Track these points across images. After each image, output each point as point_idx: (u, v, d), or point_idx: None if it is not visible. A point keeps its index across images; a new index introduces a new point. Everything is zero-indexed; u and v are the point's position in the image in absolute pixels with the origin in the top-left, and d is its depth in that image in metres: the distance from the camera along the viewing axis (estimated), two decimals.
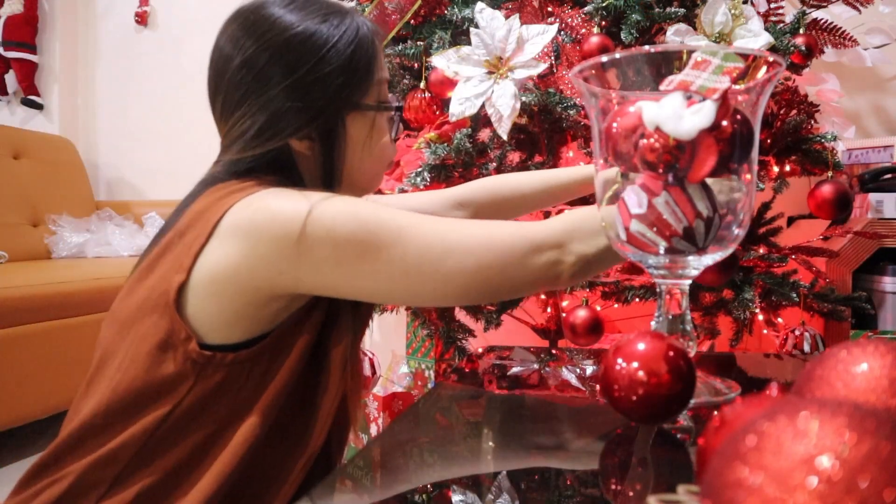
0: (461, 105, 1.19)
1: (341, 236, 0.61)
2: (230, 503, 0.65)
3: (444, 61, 1.21)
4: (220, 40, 0.73)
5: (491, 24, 1.18)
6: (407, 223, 0.64)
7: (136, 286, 0.68)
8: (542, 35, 1.17)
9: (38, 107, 3.04)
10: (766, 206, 1.32)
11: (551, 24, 1.21)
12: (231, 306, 0.64)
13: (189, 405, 0.64)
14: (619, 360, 0.50)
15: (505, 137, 1.18)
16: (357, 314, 0.73)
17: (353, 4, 1.56)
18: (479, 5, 1.22)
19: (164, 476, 0.64)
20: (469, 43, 1.20)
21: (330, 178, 0.74)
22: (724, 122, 0.56)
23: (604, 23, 1.27)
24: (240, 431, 0.65)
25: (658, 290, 0.65)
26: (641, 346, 0.50)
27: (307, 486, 0.70)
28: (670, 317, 0.64)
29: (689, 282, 0.64)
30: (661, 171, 0.57)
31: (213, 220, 0.64)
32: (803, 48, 1.32)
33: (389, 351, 1.84)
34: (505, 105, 1.16)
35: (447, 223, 0.66)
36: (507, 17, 1.19)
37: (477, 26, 1.19)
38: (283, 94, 0.69)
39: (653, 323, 0.65)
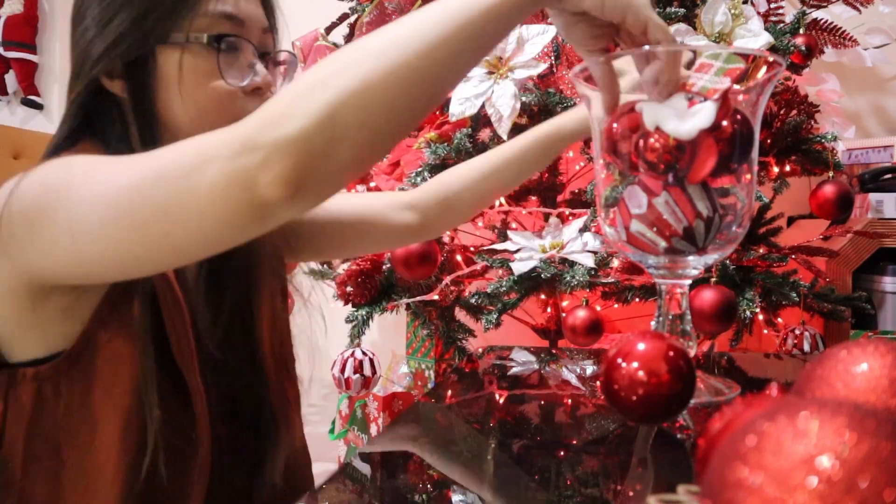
0: (461, 105, 1.19)
1: (25, 208, 0.50)
2: None
3: None
4: None
5: None
6: (82, 170, 0.50)
7: None
8: (542, 35, 1.17)
9: (38, 107, 3.04)
10: (766, 206, 1.32)
11: (551, 24, 1.22)
12: (12, 312, 0.55)
13: (12, 437, 0.57)
14: (619, 360, 0.50)
15: (505, 137, 1.18)
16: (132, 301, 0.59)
17: (353, 4, 1.57)
18: None
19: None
20: None
21: (146, 125, 0.62)
22: (725, 123, 0.56)
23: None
24: (98, 453, 0.57)
25: (658, 290, 0.65)
26: (641, 346, 0.50)
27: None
28: (670, 317, 0.64)
29: (690, 282, 0.64)
30: (661, 171, 0.57)
31: None
32: (803, 48, 1.32)
33: (389, 351, 1.84)
34: (505, 105, 1.16)
35: (122, 160, 0.49)
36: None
37: None
38: (94, 21, 0.62)
39: (653, 323, 0.65)
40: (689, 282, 0.64)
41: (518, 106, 1.16)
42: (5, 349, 0.57)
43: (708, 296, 1.09)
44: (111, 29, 0.61)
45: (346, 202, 0.86)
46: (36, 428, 0.57)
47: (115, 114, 0.64)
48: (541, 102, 1.26)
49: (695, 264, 0.62)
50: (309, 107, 0.41)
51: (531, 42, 1.17)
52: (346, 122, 0.41)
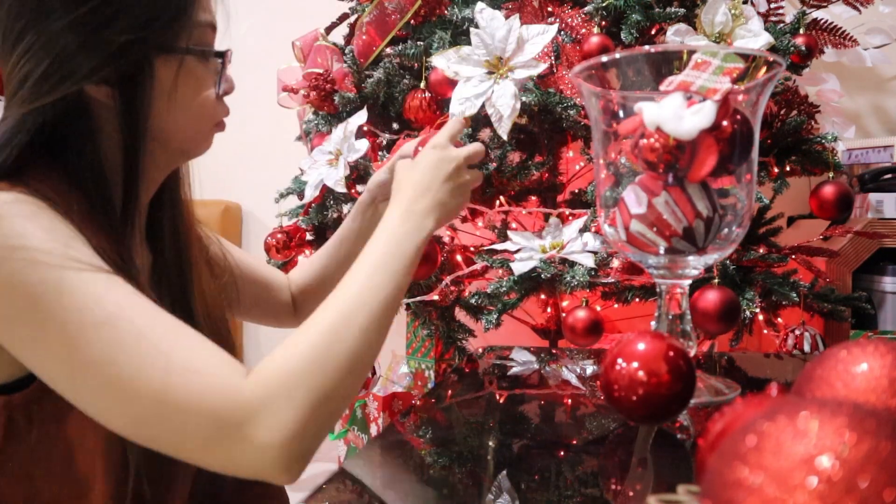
0: (461, 105, 1.19)
1: (18, 297, 0.49)
2: None
3: (444, 61, 1.21)
4: None
5: (491, 24, 1.18)
6: (86, 320, 0.49)
7: None
8: (542, 35, 1.17)
9: None
10: (766, 207, 1.32)
11: (551, 24, 1.21)
12: None
13: None
14: (619, 360, 0.50)
15: (505, 137, 1.18)
16: None
17: (353, 4, 1.57)
18: (480, 5, 1.21)
19: None
20: (469, 43, 1.20)
21: (134, 135, 0.61)
22: (725, 123, 0.56)
23: (604, 23, 1.27)
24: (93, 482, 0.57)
25: (658, 290, 0.65)
26: (641, 346, 0.50)
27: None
28: (670, 317, 0.64)
29: (689, 282, 0.64)
30: (661, 171, 0.57)
31: None
32: (803, 48, 1.32)
33: (389, 351, 1.84)
34: (505, 105, 1.16)
35: (139, 334, 0.49)
36: (507, 17, 1.19)
37: (477, 26, 1.19)
38: (75, 22, 0.57)
39: (653, 323, 0.65)
40: (688, 282, 0.64)
41: (518, 106, 1.16)
42: None
43: (711, 296, 1.09)
44: (105, 37, 0.58)
45: (257, 265, 0.91)
46: (8, 457, 0.56)
47: (91, 114, 0.61)
48: (541, 102, 1.26)
49: (695, 264, 0.62)
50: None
51: (531, 42, 1.17)
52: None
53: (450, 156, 0.72)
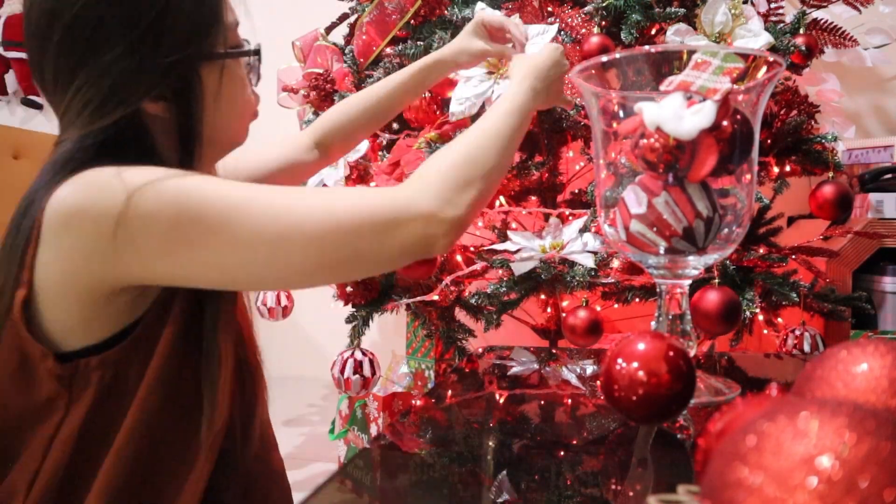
0: (461, 105, 1.19)
1: (163, 223, 0.55)
2: (135, 495, 0.61)
3: None
4: None
5: None
6: (240, 200, 0.58)
7: None
8: (542, 35, 1.17)
9: (38, 107, 3.04)
10: (766, 207, 1.32)
11: (551, 24, 1.21)
12: (77, 309, 0.58)
13: (74, 421, 0.59)
14: (619, 360, 0.50)
15: None
16: (221, 292, 0.67)
17: (353, 4, 1.57)
18: (480, 5, 1.21)
19: (58, 487, 0.59)
20: None
21: (189, 140, 0.66)
22: (725, 123, 0.56)
23: (604, 23, 1.27)
24: (119, 436, 0.60)
25: (658, 290, 0.65)
26: (641, 346, 0.50)
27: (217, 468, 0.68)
28: (670, 317, 0.64)
29: (689, 282, 0.64)
30: (661, 171, 0.57)
31: (37, 218, 0.58)
32: (803, 48, 1.32)
33: (389, 351, 1.84)
34: None
35: (287, 197, 0.59)
36: (507, 17, 1.19)
37: None
38: (126, 51, 0.61)
39: (653, 323, 0.65)
40: (688, 282, 0.64)
41: None
42: (59, 340, 0.59)
43: (712, 297, 1.09)
44: (154, 60, 0.62)
45: (262, 159, 0.93)
46: (98, 414, 0.60)
47: (148, 127, 0.65)
48: None
49: (695, 264, 0.62)
50: (466, 199, 0.63)
51: (531, 42, 1.17)
52: (480, 206, 0.65)
53: (563, 60, 0.85)
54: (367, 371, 1.49)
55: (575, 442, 0.60)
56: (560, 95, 0.87)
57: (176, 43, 0.62)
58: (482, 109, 1.20)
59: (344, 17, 1.68)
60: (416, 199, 0.61)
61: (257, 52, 0.71)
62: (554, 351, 1.01)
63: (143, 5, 0.61)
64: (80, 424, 0.59)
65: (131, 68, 0.61)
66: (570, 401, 0.72)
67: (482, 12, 0.96)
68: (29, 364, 0.58)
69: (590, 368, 0.85)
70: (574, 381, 0.80)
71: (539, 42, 1.17)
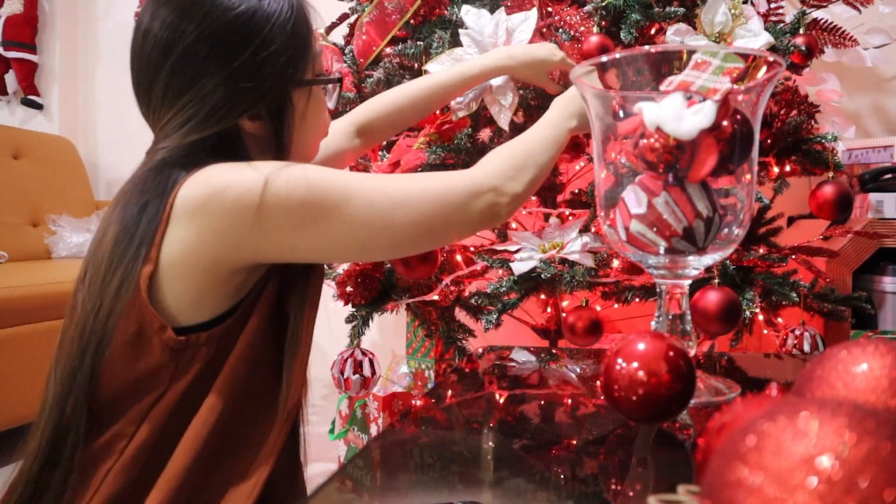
0: (459, 103, 1.19)
1: (295, 202, 0.64)
2: (211, 469, 0.66)
3: (439, 66, 1.21)
4: (150, 24, 0.70)
5: (478, 22, 1.19)
6: (353, 181, 0.68)
7: None
8: (525, 22, 1.18)
9: (38, 107, 3.04)
10: (766, 207, 1.32)
11: (549, 21, 1.22)
12: (196, 286, 0.65)
13: (176, 391, 0.65)
14: (619, 360, 0.50)
15: (506, 128, 1.18)
16: (312, 276, 0.76)
17: (353, 4, 1.57)
18: (465, 7, 1.22)
19: (147, 455, 0.65)
20: None
21: (280, 154, 0.74)
22: (725, 123, 0.56)
23: (603, 22, 1.27)
24: (206, 404, 0.66)
25: (658, 290, 0.65)
26: (641, 346, 0.50)
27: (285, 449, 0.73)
28: (670, 317, 0.64)
29: (689, 282, 0.64)
30: (661, 171, 0.57)
31: (166, 203, 0.65)
32: (803, 48, 1.32)
33: (389, 351, 1.84)
34: (504, 97, 1.16)
35: (389, 178, 0.71)
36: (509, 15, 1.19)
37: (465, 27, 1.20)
38: (228, 78, 0.68)
39: (653, 323, 0.65)
40: (688, 282, 0.64)
41: (516, 99, 1.16)
42: (175, 315, 0.65)
43: (712, 297, 1.09)
44: (259, 82, 0.69)
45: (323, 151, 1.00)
46: (195, 389, 0.66)
47: (242, 141, 0.72)
48: (538, 96, 1.26)
49: (695, 264, 0.62)
50: (525, 177, 0.78)
51: (519, 30, 1.18)
52: (533, 186, 0.79)
53: (578, 100, 0.91)
54: (367, 371, 1.49)
55: (575, 442, 0.60)
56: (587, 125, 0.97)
57: (272, 71, 0.71)
58: (482, 110, 1.20)
59: (344, 17, 1.68)
60: (488, 176, 0.75)
61: (339, 80, 0.82)
62: (554, 351, 1.01)
63: (244, 40, 0.69)
64: (179, 398, 0.65)
65: (231, 92, 0.69)
66: (570, 401, 0.72)
67: (566, 57, 1.05)
68: (145, 335, 0.64)
69: (590, 368, 0.85)
70: (574, 381, 0.80)
71: (525, 29, 1.17)
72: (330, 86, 0.82)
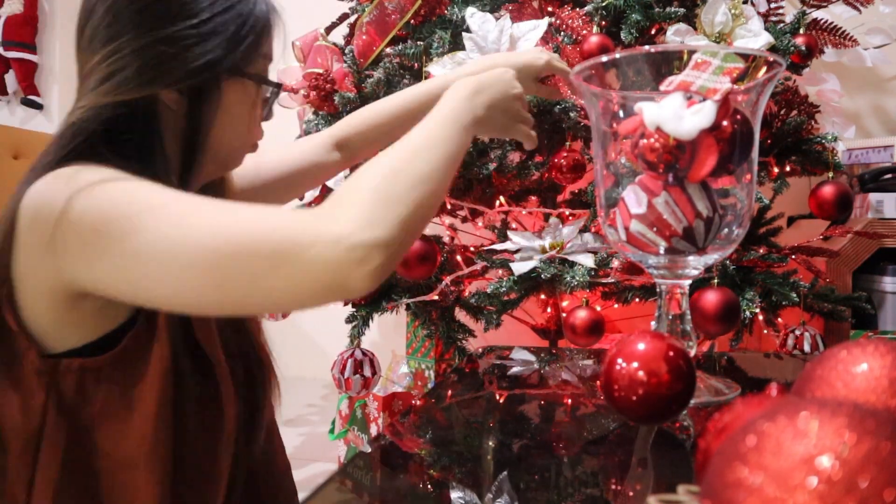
0: None
1: (86, 229, 0.53)
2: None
3: (440, 68, 1.21)
4: None
5: (482, 27, 1.19)
6: (147, 210, 0.52)
7: None
8: (533, 31, 1.17)
9: (38, 107, 3.04)
10: (766, 207, 1.32)
11: (542, 17, 1.22)
12: (45, 309, 0.58)
13: (48, 423, 0.58)
14: (619, 360, 0.50)
15: (506, 137, 1.18)
16: None
17: (353, 4, 1.57)
18: (470, 9, 1.22)
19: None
20: None
21: (192, 141, 0.68)
22: (725, 123, 0.56)
23: (603, 23, 1.27)
24: (123, 445, 0.60)
25: (658, 290, 0.65)
26: (641, 346, 0.50)
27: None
28: (670, 317, 0.64)
29: (690, 282, 0.64)
30: (661, 170, 0.57)
31: (11, 214, 0.58)
32: (803, 48, 1.32)
33: (389, 351, 1.84)
34: None
35: (197, 205, 0.53)
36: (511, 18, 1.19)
37: (469, 30, 1.20)
38: (170, 39, 0.63)
39: (653, 323, 0.65)
40: (689, 282, 0.64)
41: None
42: (44, 341, 0.59)
43: (711, 297, 1.09)
44: (194, 53, 0.64)
45: (283, 160, 0.93)
46: (75, 417, 0.59)
47: (157, 116, 0.66)
48: (540, 103, 1.26)
49: (695, 264, 0.62)
50: (392, 218, 0.51)
51: (524, 38, 1.17)
52: (414, 227, 0.53)
53: (513, 82, 0.78)
54: (367, 371, 1.49)
55: (575, 442, 0.60)
56: (515, 125, 0.80)
57: (217, 46, 0.65)
58: None
59: (344, 17, 1.68)
60: (323, 220, 0.50)
61: (278, 87, 0.74)
62: (554, 351, 1.01)
63: (180, 11, 0.63)
64: (70, 431, 0.59)
65: (170, 54, 0.63)
66: (570, 401, 0.72)
67: (553, 58, 0.90)
68: (10, 356, 0.59)
69: (590, 368, 0.85)
70: (574, 381, 0.80)
71: (532, 38, 1.17)
72: (267, 93, 0.75)
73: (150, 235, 0.51)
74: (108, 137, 0.62)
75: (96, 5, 0.64)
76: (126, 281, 0.53)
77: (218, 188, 0.78)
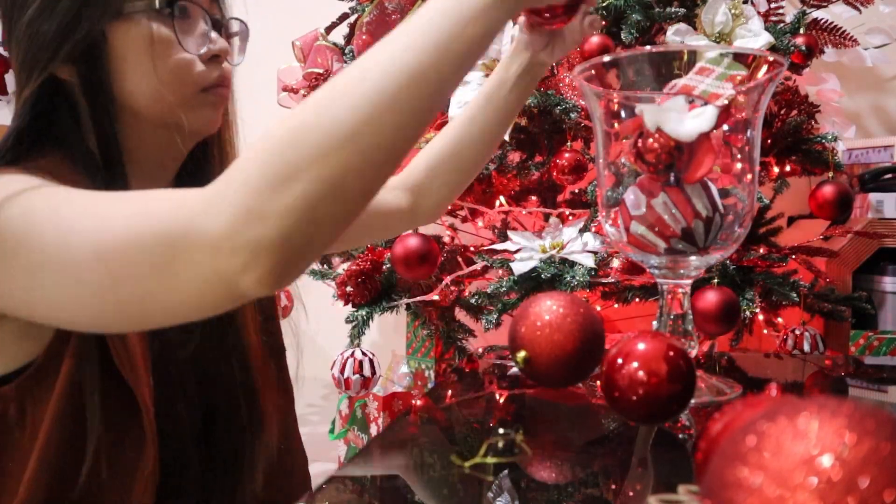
0: (460, 108, 1.19)
1: None
2: None
3: None
4: None
5: None
6: (44, 216, 0.46)
7: None
8: None
9: None
10: (766, 207, 1.32)
11: None
12: None
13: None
14: (619, 360, 0.50)
15: (506, 138, 1.18)
16: None
17: (353, 4, 1.57)
18: None
19: None
20: None
21: (101, 111, 0.59)
22: (725, 127, 0.56)
23: (604, 23, 1.27)
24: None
25: (660, 290, 0.65)
26: (641, 346, 0.50)
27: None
28: (672, 317, 0.64)
29: (691, 282, 0.64)
30: (659, 171, 0.57)
31: None
32: (803, 48, 1.32)
33: (389, 351, 1.84)
34: None
35: (90, 204, 0.46)
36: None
37: None
38: (37, 7, 0.57)
39: (655, 323, 0.65)
40: (690, 282, 0.64)
41: None
42: None
43: (711, 297, 1.09)
44: (58, 11, 0.57)
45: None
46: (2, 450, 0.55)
47: (66, 105, 0.60)
48: (541, 104, 1.26)
49: (696, 264, 0.62)
50: (285, 204, 0.38)
51: None
52: (325, 213, 0.40)
53: None
54: (367, 371, 1.49)
55: (575, 442, 0.60)
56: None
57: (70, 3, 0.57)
58: None
59: (344, 17, 1.68)
60: (203, 214, 0.40)
61: (170, 4, 0.59)
62: None
63: None
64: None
65: (43, 29, 0.57)
66: (570, 401, 0.72)
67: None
68: None
69: None
70: None
71: None
72: (177, 17, 0.60)
73: (40, 245, 0.45)
74: (33, 132, 0.58)
75: None
76: (24, 298, 0.47)
77: (212, 156, 0.70)
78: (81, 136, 0.60)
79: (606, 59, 0.62)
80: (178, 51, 0.60)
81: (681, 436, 0.58)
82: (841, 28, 1.53)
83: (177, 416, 0.64)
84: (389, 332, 2.35)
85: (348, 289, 1.35)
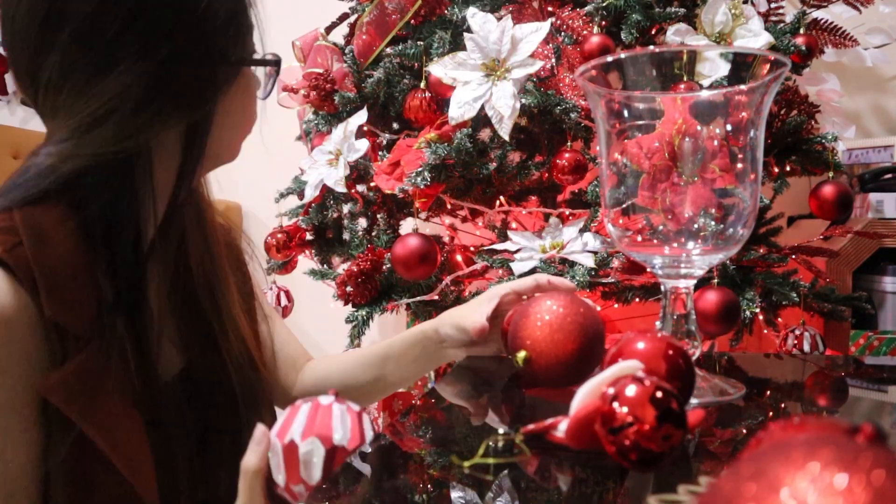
0: (460, 108, 1.19)
1: None
2: None
3: (441, 69, 1.21)
4: None
5: (484, 27, 1.19)
6: None
7: None
8: (535, 33, 1.17)
9: None
10: (766, 206, 1.32)
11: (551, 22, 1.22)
12: None
13: None
14: (619, 360, 0.50)
15: (507, 138, 1.18)
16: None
17: (353, 4, 1.57)
18: (471, 10, 1.22)
19: None
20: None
21: (188, 166, 0.57)
22: (729, 128, 0.56)
23: (604, 23, 1.27)
24: None
25: (663, 290, 0.65)
26: (641, 346, 0.50)
27: None
28: (675, 317, 0.64)
29: (694, 282, 0.64)
30: (661, 172, 0.57)
31: None
32: (803, 48, 1.32)
33: None
34: (505, 106, 1.16)
35: None
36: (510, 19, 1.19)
37: (470, 30, 1.20)
38: (150, 65, 0.51)
39: (658, 323, 0.65)
40: (693, 282, 0.64)
41: (518, 106, 1.16)
42: None
43: (711, 297, 1.09)
44: (189, 76, 0.53)
45: (282, 341, 0.85)
46: None
47: (141, 164, 0.55)
48: (541, 104, 1.26)
49: (699, 264, 0.62)
50: None
51: (526, 40, 1.17)
52: None
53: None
54: None
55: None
56: None
57: (210, 55, 0.53)
58: (481, 111, 1.20)
59: (344, 16, 1.68)
60: None
61: (278, 62, 0.61)
62: None
63: (180, 6, 0.51)
64: None
65: (156, 87, 0.51)
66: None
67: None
68: None
69: None
70: None
71: (533, 40, 1.17)
72: (266, 70, 0.61)
73: None
74: (73, 185, 0.53)
75: (44, 37, 0.49)
76: None
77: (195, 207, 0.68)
78: (145, 189, 0.55)
79: (609, 59, 0.62)
80: (255, 102, 0.62)
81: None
82: (841, 28, 1.53)
83: (172, 437, 0.63)
84: (389, 332, 2.35)
85: (348, 289, 1.35)
